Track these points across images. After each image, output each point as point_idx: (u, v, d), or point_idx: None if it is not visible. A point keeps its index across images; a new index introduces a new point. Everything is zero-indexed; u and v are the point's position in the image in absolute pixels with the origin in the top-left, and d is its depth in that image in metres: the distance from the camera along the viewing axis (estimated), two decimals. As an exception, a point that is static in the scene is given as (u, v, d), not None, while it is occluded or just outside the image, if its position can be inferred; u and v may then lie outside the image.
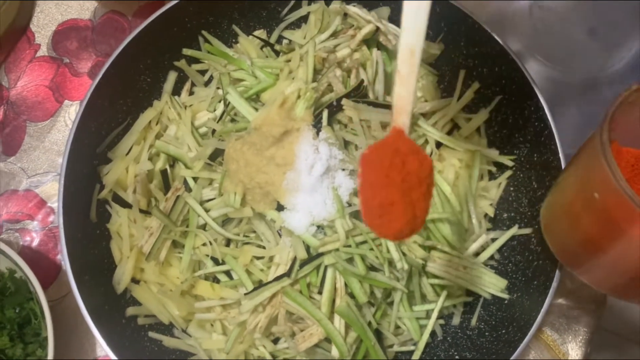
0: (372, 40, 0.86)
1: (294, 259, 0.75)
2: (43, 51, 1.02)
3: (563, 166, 0.77)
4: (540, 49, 1.01)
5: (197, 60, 0.90)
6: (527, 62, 0.99)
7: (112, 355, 0.73)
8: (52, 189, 0.94)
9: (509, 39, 1.01)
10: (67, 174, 0.77)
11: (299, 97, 0.77)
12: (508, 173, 0.86)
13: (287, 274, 0.75)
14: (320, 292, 0.76)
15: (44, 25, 1.03)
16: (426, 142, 0.86)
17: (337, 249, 0.74)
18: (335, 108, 0.78)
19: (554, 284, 0.74)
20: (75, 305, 0.74)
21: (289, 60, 0.84)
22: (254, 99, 0.84)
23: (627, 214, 0.55)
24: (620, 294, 0.71)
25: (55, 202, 0.93)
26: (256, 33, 0.91)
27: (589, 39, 1.02)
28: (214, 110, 0.87)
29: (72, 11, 1.03)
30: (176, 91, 0.91)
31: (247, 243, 0.81)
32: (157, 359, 0.79)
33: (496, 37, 0.80)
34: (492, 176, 0.88)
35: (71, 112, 0.98)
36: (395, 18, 0.88)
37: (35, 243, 0.92)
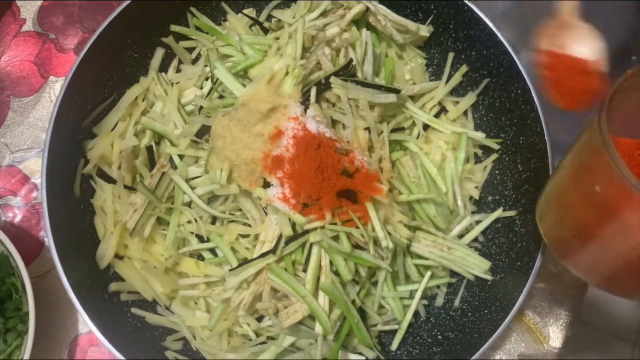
0: (361, 21, 0.86)
1: (280, 236, 0.75)
2: (28, 26, 1.00)
3: (549, 149, 0.78)
4: (528, 36, 1.02)
5: (185, 38, 0.90)
6: (515, 49, 1.00)
7: (94, 330, 0.72)
8: (35, 165, 0.93)
9: (498, 25, 1.02)
10: (51, 147, 0.76)
11: (287, 73, 0.77)
12: (494, 156, 0.86)
13: (272, 251, 0.74)
14: (305, 270, 0.76)
15: (29, -1, 1.01)
16: (413, 124, 0.87)
17: (323, 227, 0.74)
18: (323, 86, 0.78)
19: (537, 265, 0.75)
20: (58, 282, 0.73)
21: (277, 38, 0.84)
22: (242, 75, 0.84)
23: (632, 206, 0.53)
24: (612, 287, 0.69)
25: (39, 179, 0.92)
26: (245, 11, 0.91)
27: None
28: (201, 87, 0.86)
29: (59, -14, 1.02)
30: (163, 68, 0.90)
31: (233, 221, 0.81)
32: (139, 335, 0.79)
33: (485, 19, 0.81)
34: (478, 159, 0.88)
35: (56, 88, 0.97)
36: (385, -1, 0.88)
37: (17, 219, 0.91)
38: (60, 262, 0.73)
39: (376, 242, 0.75)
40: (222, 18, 0.91)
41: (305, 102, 0.77)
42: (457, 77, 0.88)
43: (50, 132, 0.76)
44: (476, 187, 0.86)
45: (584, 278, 0.70)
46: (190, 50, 0.90)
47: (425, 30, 0.87)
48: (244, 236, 0.80)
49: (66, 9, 1.01)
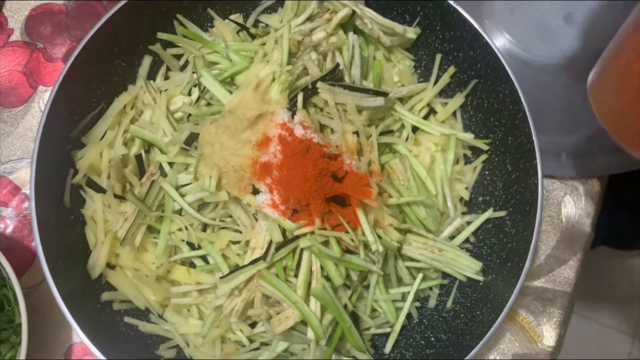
0: (348, 24, 0.86)
1: (270, 243, 0.75)
2: (16, 36, 1.00)
3: (537, 149, 0.77)
4: (516, 35, 1.02)
5: (172, 45, 0.89)
6: (503, 48, 1.00)
7: (86, 341, 0.72)
8: (26, 176, 0.93)
9: (485, 24, 1.02)
10: (39, 158, 0.76)
11: (273, 80, 0.77)
12: (483, 157, 0.86)
13: (263, 257, 0.74)
14: (296, 276, 0.76)
15: (17, 9, 1.01)
16: (402, 126, 0.87)
17: (313, 232, 0.74)
18: (310, 91, 0.78)
19: (527, 265, 0.75)
20: (51, 292, 0.73)
21: (264, 44, 0.84)
22: (229, 82, 0.83)
23: None
24: None
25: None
26: (232, 17, 0.90)
27: (565, 24, 1.03)
28: (190, 94, 0.86)
29: (46, -5, 1.02)
30: (151, 76, 0.90)
31: (224, 228, 0.81)
32: (132, 344, 0.79)
33: (471, 20, 0.81)
34: (467, 160, 0.88)
35: (45, 98, 0.97)
36: (371, 2, 0.87)
37: (9, 230, 0.91)
38: (51, 273, 0.73)
39: (366, 246, 0.75)
40: (209, 24, 0.91)
41: (292, 108, 0.77)
42: (445, 79, 0.88)
43: (38, 142, 0.76)
44: (466, 188, 0.87)
45: None
46: (178, 57, 0.90)
47: (412, 32, 0.87)
48: (234, 243, 0.80)
49: (54, 18, 1.01)
